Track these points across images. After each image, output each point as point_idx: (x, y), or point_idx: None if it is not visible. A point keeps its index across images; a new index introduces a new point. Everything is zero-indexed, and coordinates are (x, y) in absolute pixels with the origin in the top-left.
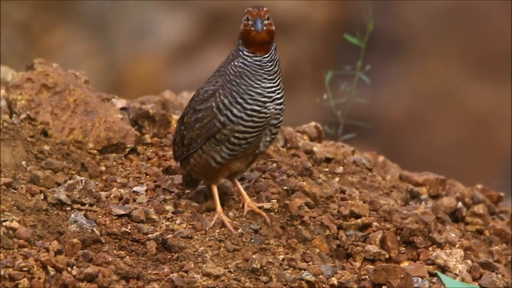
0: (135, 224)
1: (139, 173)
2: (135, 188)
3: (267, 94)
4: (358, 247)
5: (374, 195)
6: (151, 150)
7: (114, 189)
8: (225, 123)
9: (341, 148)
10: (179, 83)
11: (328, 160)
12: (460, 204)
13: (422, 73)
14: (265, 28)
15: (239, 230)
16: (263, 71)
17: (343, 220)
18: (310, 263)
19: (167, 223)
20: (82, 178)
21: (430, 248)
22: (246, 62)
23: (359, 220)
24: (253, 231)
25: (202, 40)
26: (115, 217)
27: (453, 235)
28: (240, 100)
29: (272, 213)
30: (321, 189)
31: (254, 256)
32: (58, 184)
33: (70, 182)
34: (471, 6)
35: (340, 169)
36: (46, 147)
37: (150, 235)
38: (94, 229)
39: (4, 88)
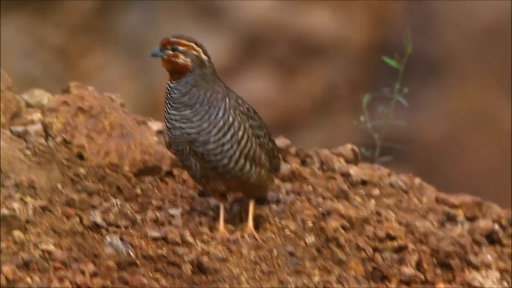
0: (170, 246)
1: (175, 196)
2: (170, 211)
3: (170, 121)
4: (393, 269)
5: (410, 217)
6: (187, 173)
7: (150, 211)
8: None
9: (377, 170)
10: None
11: (364, 183)
12: (496, 226)
13: (460, 95)
14: (165, 57)
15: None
16: (168, 96)
17: (379, 242)
18: (346, 285)
19: (203, 245)
20: (118, 201)
21: (466, 270)
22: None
23: (395, 242)
24: (288, 253)
25: (239, 63)
26: (151, 240)
27: (489, 257)
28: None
29: (308, 235)
30: (357, 211)
31: (289, 279)
32: (94, 207)
33: (105, 205)
34: (509, 27)
35: (376, 192)
36: (82, 170)
37: (185, 258)
38: (130, 251)
39: (40, 112)
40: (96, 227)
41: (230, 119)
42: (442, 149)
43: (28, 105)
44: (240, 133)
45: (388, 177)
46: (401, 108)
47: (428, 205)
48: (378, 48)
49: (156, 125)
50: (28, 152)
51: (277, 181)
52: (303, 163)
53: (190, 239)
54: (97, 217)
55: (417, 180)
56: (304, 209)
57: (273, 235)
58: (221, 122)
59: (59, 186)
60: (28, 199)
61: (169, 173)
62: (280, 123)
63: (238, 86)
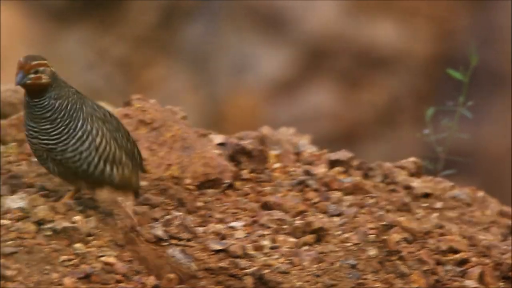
0: (232, 259)
1: (237, 208)
2: (232, 224)
3: (28, 131)
4: (456, 282)
5: (473, 230)
6: (248, 186)
7: (211, 224)
8: None
9: (440, 183)
10: (279, 118)
11: (427, 196)
12: None
13: None
14: (28, 82)
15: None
16: (28, 110)
17: (441, 255)
18: None
19: (265, 258)
20: (180, 213)
21: None
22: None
23: (458, 255)
24: (350, 266)
25: (303, 76)
26: (212, 252)
27: None
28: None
29: (370, 248)
30: (419, 224)
31: None
32: (156, 220)
33: (167, 217)
34: None
35: (439, 204)
36: (144, 183)
37: (247, 270)
38: (191, 264)
39: None
40: (157, 239)
41: (88, 127)
42: (506, 162)
43: None
44: (98, 139)
45: (451, 190)
46: (465, 121)
47: (491, 218)
48: (442, 60)
49: (218, 138)
50: None
51: (338, 193)
52: (366, 176)
53: (251, 251)
54: (159, 230)
55: (481, 193)
56: (366, 222)
57: (335, 248)
58: (80, 133)
59: (121, 199)
60: (89, 212)
61: (231, 186)
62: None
63: (301, 98)
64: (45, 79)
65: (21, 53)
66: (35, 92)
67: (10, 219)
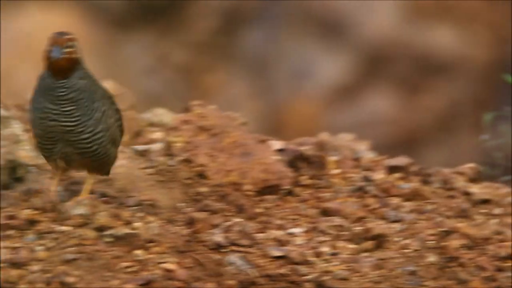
0: (291, 265)
1: (296, 215)
2: (292, 230)
3: (44, 113)
4: None
5: None
6: (307, 192)
7: (271, 230)
8: (30, 123)
9: (499, 189)
10: (339, 124)
11: (485, 202)
12: None
13: None
14: (63, 56)
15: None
16: (49, 93)
17: (501, 261)
18: None
19: (324, 264)
20: (239, 219)
21: None
22: (41, 77)
23: None
24: (409, 273)
25: (362, 82)
26: (272, 259)
27: None
28: (31, 108)
29: (429, 255)
30: (478, 230)
31: None
32: (215, 226)
33: (227, 224)
34: None
35: (498, 210)
36: (203, 189)
37: (307, 277)
38: (251, 270)
39: (162, 130)
40: (217, 246)
41: (103, 108)
42: None
43: (150, 123)
44: (110, 120)
45: (510, 196)
46: None
47: None
48: (501, 66)
49: (277, 144)
50: (150, 171)
51: (397, 199)
52: (424, 182)
53: (311, 258)
54: (219, 236)
55: None
56: (426, 228)
57: (394, 254)
58: (97, 114)
59: (181, 205)
60: (150, 218)
61: (290, 192)
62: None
63: (360, 104)
64: (77, 54)
65: (84, 58)
66: (64, 69)
67: (71, 226)
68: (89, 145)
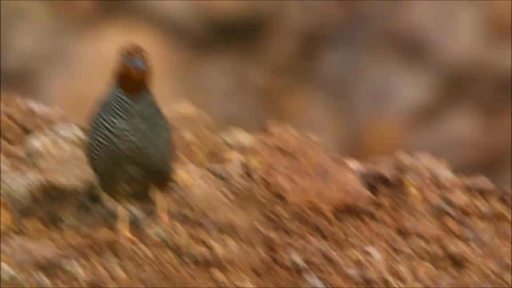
0: (369, 286)
1: (374, 235)
2: (369, 250)
3: (115, 132)
4: None
5: None
6: (385, 212)
7: (348, 250)
8: (90, 149)
9: None
10: (418, 146)
11: None
12: None
13: None
14: (143, 66)
15: None
16: (121, 109)
17: None
18: None
19: (401, 284)
20: (317, 240)
21: None
22: (110, 94)
23: None
24: None
25: (443, 103)
26: (349, 279)
27: None
28: (95, 131)
29: (508, 275)
30: None
31: None
32: (293, 246)
33: (304, 244)
34: None
35: None
36: (281, 210)
37: None
38: None
39: (239, 151)
40: (295, 266)
41: (167, 126)
42: None
43: (228, 145)
44: (172, 136)
45: None
46: None
47: None
48: None
49: (354, 164)
50: (227, 192)
51: (477, 221)
52: (505, 203)
53: (388, 277)
54: (296, 256)
55: None
56: (504, 249)
57: (474, 275)
58: (164, 131)
59: (258, 225)
60: (227, 239)
61: (368, 212)
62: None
63: (440, 125)
64: (150, 67)
65: (162, 81)
66: (144, 83)
67: (149, 246)
68: (154, 164)
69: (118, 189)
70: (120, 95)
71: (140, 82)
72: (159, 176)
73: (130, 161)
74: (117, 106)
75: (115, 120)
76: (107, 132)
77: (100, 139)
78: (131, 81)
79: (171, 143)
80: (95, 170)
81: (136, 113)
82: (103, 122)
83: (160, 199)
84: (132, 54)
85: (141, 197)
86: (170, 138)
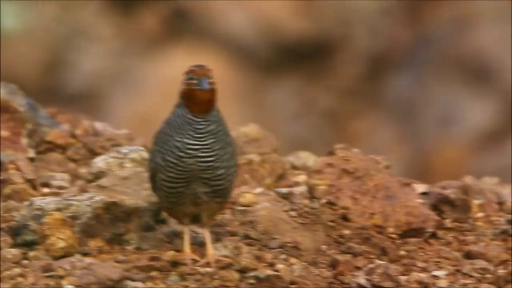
0: None
1: (439, 257)
2: (435, 273)
3: (185, 151)
4: None
5: None
6: (451, 235)
7: (414, 273)
8: (154, 169)
9: None
10: (484, 169)
11: None
12: None
13: None
14: (209, 86)
15: None
16: (190, 128)
17: None
18: None
19: None
20: (382, 262)
21: None
22: (178, 114)
23: None
24: None
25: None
26: None
27: None
28: (161, 149)
29: None
30: None
31: None
32: (358, 268)
33: (370, 266)
34: None
35: None
36: (346, 232)
37: None
38: None
39: (305, 173)
40: None
41: (232, 142)
42: None
43: (294, 167)
44: (236, 155)
45: None
46: None
47: None
48: None
49: (421, 187)
50: (293, 214)
51: None
52: None
53: None
54: (361, 278)
55: None
56: None
57: None
58: (231, 148)
59: (324, 247)
60: (293, 260)
61: (433, 235)
62: None
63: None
64: (215, 85)
65: (229, 104)
66: (211, 101)
67: (214, 267)
68: (222, 181)
69: (184, 210)
70: (187, 114)
71: (206, 102)
72: (223, 196)
73: (199, 180)
74: (186, 126)
75: (184, 139)
76: (177, 151)
77: (170, 159)
78: (197, 101)
79: (236, 161)
80: (160, 190)
81: (205, 131)
82: (172, 141)
83: (205, 227)
84: (197, 75)
85: (200, 218)
86: (236, 156)
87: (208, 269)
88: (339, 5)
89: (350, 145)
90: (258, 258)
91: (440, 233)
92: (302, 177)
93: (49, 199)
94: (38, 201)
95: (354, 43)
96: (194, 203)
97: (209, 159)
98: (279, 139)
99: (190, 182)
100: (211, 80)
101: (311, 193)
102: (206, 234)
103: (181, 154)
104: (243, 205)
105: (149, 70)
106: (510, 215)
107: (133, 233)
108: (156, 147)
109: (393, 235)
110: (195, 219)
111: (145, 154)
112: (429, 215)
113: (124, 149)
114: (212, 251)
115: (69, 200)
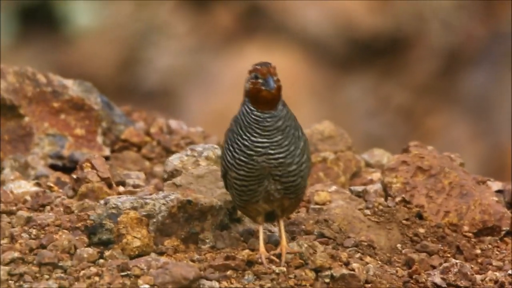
0: None
1: None
2: (511, 271)
3: (254, 148)
4: None
5: None
6: None
7: (490, 272)
8: (225, 167)
9: None
10: None
11: None
12: None
13: None
14: (275, 85)
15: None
16: (257, 125)
17: None
18: None
19: None
20: (458, 261)
21: None
22: (244, 112)
23: None
24: None
25: None
26: None
27: None
28: (231, 148)
29: None
30: None
31: None
32: (433, 267)
33: (445, 265)
34: None
35: None
36: (421, 230)
37: None
38: None
39: (379, 171)
40: (435, 287)
41: (304, 137)
42: None
43: (368, 164)
44: (309, 150)
45: None
46: None
47: None
48: None
49: (496, 185)
50: (368, 212)
51: None
52: None
53: None
54: (437, 277)
55: None
56: None
57: None
58: (301, 143)
59: (399, 246)
60: (368, 259)
61: (509, 233)
62: None
63: None
64: (280, 82)
65: (303, 100)
66: (277, 99)
67: (288, 266)
68: (294, 178)
69: (257, 208)
70: (254, 111)
71: (272, 100)
72: (297, 192)
73: (270, 177)
74: (253, 123)
75: (252, 137)
76: (245, 149)
77: (239, 157)
78: (264, 100)
79: (309, 155)
80: (232, 188)
81: (273, 128)
82: (240, 139)
83: (280, 224)
84: (263, 74)
85: (273, 216)
86: (308, 151)
87: (283, 269)
88: (414, 1)
89: (424, 143)
90: (333, 257)
91: None
92: (376, 175)
93: (124, 197)
94: (114, 200)
95: (429, 39)
96: (267, 200)
97: (280, 155)
98: (353, 137)
99: (261, 180)
100: (276, 78)
101: (386, 191)
102: (280, 226)
103: (250, 152)
104: (317, 204)
105: (224, 67)
106: None
107: (208, 232)
108: (225, 145)
109: (468, 234)
110: (270, 219)
111: (220, 152)
112: (504, 213)
113: (198, 147)
114: (285, 242)
115: (144, 198)
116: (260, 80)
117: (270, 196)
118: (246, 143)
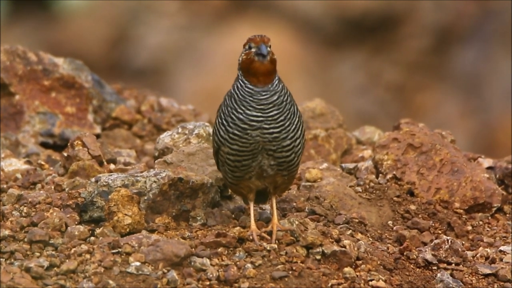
0: (501, 283)
1: (506, 233)
2: (502, 248)
3: (248, 122)
4: None
5: None
6: None
7: (481, 248)
8: (218, 143)
9: None
10: None
11: None
12: None
13: None
14: (268, 51)
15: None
16: (251, 99)
17: None
18: None
19: None
20: (449, 237)
21: None
22: (238, 86)
23: None
24: None
25: None
26: (482, 277)
27: None
28: (224, 122)
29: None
30: None
31: None
32: (424, 244)
33: (436, 241)
34: None
35: None
36: (412, 207)
37: None
38: None
39: (370, 148)
40: (426, 263)
41: (299, 113)
42: None
43: (359, 142)
44: (303, 127)
45: None
46: None
47: None
48: None
49: (487, 162)
50: (359, 189)
51: None
52: None
53: None
54: (428, 254)
55: None
56: None
57: None
58: (297, 118)
59: (390, 222)
60: (359, 236)
61: (500, 210)
62: None
63: None
64: (275, 55)
65: (294, 78)
66: (271, 72)
67: (279, 243)
68: (288, 153)
69: (249, 184)
70: (249, 85)
71: (266, 72)
72: (290, 169)
73: (264, 152)
74: (247, 97)
75: (247, 111)
76: (239, 123)
77: (233, 131)
78: (257, 72)
79: (303, 133)
80: (225, 165)
81: (268, 102)
82: (235, 113)
83: (272, 200)
84: (256, 42)
85: (266, 194)
86: (303, 127)
87: (274, 246)
88: None
89: (415, 120)
90: (324, 234)
91: (506, 208)
92: (367, 152)
93: (115, 175)
94: (105, 177)
95: (419, 17)
96: (259, 176)
97: (274, 130)
98: (344, 114)
99: (255, 155)
100: (270, 50)
101: (377, 168)
102: (272, 203)
103: (244, 126)
104: (308, 181)
105: (214, 45)
106: None
107: (199, 209)
108: (218, 120)
109: (459, 210)
110: (261, 200)
111: (211, 130)
112: (495, 190)
113: (189, 125)
114: (277, 219)
115: (135, 176)
116: (253, 50)
117: (263, 173)
118: (241, 116)
